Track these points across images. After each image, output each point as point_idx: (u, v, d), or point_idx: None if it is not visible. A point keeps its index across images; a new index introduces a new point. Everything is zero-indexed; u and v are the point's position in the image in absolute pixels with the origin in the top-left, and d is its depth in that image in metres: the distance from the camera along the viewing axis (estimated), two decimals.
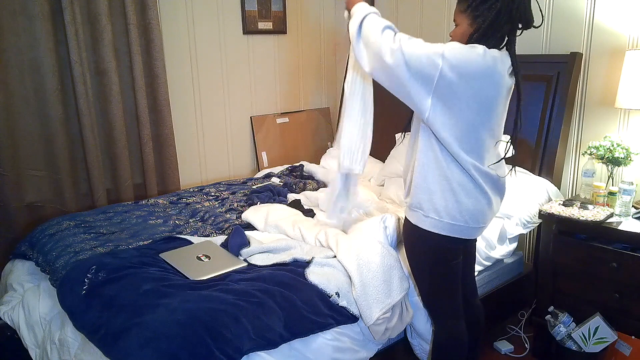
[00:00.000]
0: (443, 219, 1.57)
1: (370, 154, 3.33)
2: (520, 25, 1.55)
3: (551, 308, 2.20)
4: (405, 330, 1.93)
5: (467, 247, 1.81)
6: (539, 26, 1.59)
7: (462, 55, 1.45)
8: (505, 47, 1.56)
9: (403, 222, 1.74)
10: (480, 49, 1.48)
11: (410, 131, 1.73)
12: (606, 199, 2.23)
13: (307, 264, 1.82)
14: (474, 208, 1.58)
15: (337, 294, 1.72)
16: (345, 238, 1.92)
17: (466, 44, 1.53)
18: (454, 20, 1.61)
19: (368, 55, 1.54)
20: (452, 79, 1.43)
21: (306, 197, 2.59)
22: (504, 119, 1.62)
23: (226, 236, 2.09)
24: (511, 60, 1.55)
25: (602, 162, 2.30)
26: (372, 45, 1.50)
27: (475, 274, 2.02)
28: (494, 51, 1.51)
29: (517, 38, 1.57)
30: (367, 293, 1.72)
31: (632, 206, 2.16)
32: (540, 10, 1.62)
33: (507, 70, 1.53)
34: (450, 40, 1.57)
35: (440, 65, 1.42)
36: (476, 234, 1.67)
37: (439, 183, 1.56)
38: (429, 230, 1.60)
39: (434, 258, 1.67)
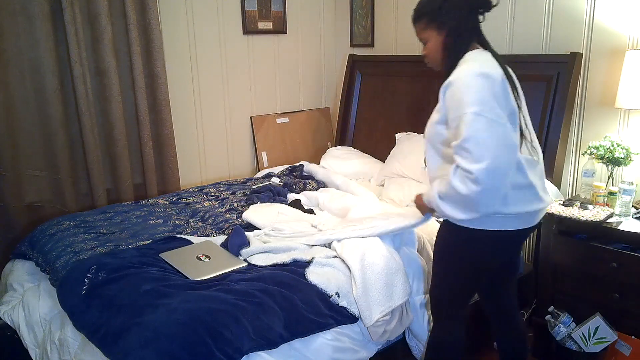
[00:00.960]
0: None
1: (370, 154, 3.35)
2: (481, 10, 1.57)
3: (551, 308, 2.20)
4: (404, 331, 1.93)
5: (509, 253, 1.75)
6: (497, 4, 1.59)
7: (476, 92, 1.43)
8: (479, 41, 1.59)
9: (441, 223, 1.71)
10: (471, 71, 1.47)
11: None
12: (606, 199, 2.23)
13: (307, 264, 1.82)
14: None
15: (337, 294, 1.72)
16: (350, 240, 1.92)
17: (444, 51, 1.56)
18: (421, 40, 1.63)
19: (460, 204, 1.49)
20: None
21: (306, 197, 2.59)
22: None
23: (226, 236, 2.09)
24: (489, 50, 1.58)
25: (602, 162, 2.30)
26: (457, 197, 1.46)
27: None
28: (478, 59, 1.52)
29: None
30: (368, 294, 1.72)
31: (632, 206, 2.16)
32: None
33: (496, 65, 1.53)
34: (426, 58, 1.63)
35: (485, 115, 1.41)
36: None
37: None
38: (477, 229, 1.55)
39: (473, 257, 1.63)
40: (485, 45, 1.60)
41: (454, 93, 1.46)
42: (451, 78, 1.50)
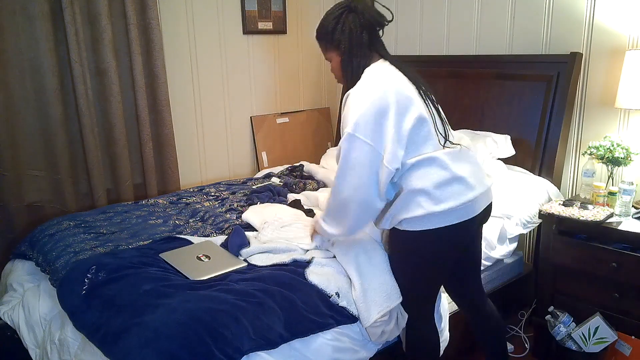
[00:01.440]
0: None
1: None
2: (377, 28, 1.64)
3: (551, 308, 2.20)
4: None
5: (464, 243, 1.76)
6: (391, 20, 1.66)
7: (356, 112, 1.52)
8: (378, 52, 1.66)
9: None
10: (359, 90, 1.56)
11: None
12: (606, 199, 2.23)
13: (307, 264, 1.82)
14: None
15: (337, 294, 1.72)
16: (344, 239, 1.92)
17: (342, 70, 1.66)
18: (327, 59, 1.72)
19: (345, 219, 1.64)
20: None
21: (306, 197, 2.59)
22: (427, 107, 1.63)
23: (226, 236, 2.09)
24: (389, 60, 1.64)
25: (602, 162, 2.30)
26: (341, 214, 1.63)
27: None
28: (373, 74, 1.59)
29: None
30: (366, 295, 1.71)
31: (632, 206, 2.16)
32: (387, 7, 1.69)
33: (391, 76, 1.59)
34: (333, 74, 1.74)
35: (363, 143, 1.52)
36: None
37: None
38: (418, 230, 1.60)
39: (422, 259, 1.68)
40: (387, 57, 1.66)
41: (345, 108, 1.57)
42: (349, 91, 1.60)
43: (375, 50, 1.66)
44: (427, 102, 1.62)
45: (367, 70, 1.62)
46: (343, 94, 1.67)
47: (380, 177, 1.53)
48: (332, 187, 1.64)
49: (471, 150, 1.72)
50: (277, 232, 2.05)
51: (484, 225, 1.79)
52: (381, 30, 1.67)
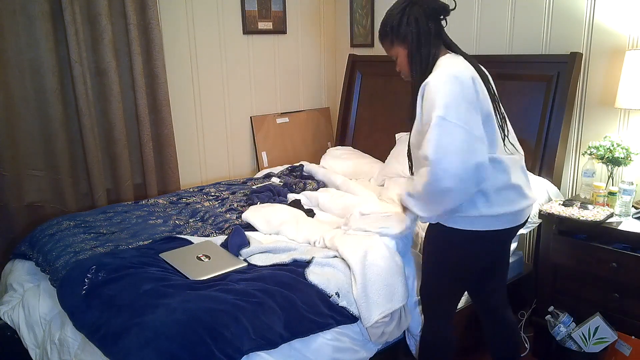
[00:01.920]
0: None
1: (370, 154, 3.35)
2: (441, 17, 1.62)
3: (551, 308, 2.20)
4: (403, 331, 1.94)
5: (497, 251, 1.76)
6: (453, 9, 1.64)
7: (444, 96, 1.46)
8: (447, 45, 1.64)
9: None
10: (442, 75, 1.50)
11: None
12: (606, 199, 2.23)
13: (307, 263, 1.82)
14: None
15: (337, 294, 1.72)
16: (352, 239, 1.92)
17: (411, 63, 1.62)
18: (391, 57, 1.69)
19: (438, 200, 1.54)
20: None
21: (306, 197, 2.59)
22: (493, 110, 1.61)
23: (226, 236, 2.09)
24: (460, 54, 1.63)
25: (602, 162, 2.30)
26: (419, 195, 1.56)
27: None
28: (450, 63, 1.56)
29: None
30: (368, 295, 1.71)
31: (632, 206, 2.16)
32: None
33: (467, 67, 1.57)
34: (399, 72, 1.69)
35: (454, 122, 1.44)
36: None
37: None
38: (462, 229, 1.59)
39: (457, 257, 1.67)
40: (455, 49, 1.65)
41: (427, 95, 1.50)
42: (427, 79, 1.53)
43: (443, 40, 1.64)
44: (495, 101, 1.61)
45: (443, 60, 1.59)
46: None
47: (482, 159, 1.46)
48: (420, 174, 1.51)
49: (522, 161, 1.71)
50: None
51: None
52: (444, 20, 1.64)
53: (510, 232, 1.65)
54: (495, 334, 1.93)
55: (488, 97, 1.57)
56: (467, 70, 1.54)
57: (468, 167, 1.42)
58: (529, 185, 1.68)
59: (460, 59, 1.60)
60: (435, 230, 1.67)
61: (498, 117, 1.60)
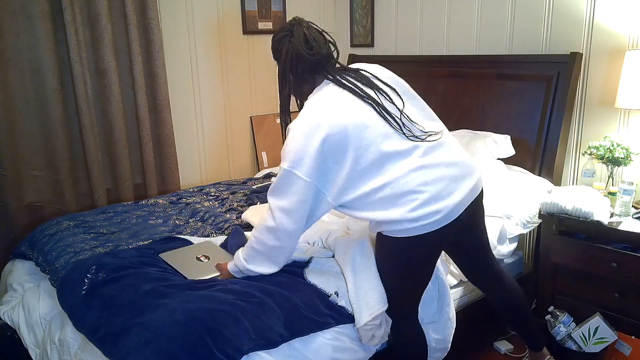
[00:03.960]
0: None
1: None
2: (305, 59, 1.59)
3: (551, 308, 2.20)
4: None
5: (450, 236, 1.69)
6: (329, 55, 1.63)
7: (293, 148, 1.50)
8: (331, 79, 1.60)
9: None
10: (298, 123, 1.52)
11: None
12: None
13: (306, 263, 1.82)
14: None
15: (336, 293, 1.71)
16: (343, 239, 1.92)
17: (299, 106, 1.64)
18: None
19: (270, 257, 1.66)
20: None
21: None
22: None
23: (226, 236, 2.09)
24: (340, 84, 1.58)
25: (602, 162, 2.30)
26: (266, 250, 1.64)
27: None
28: (313, 105, 1.56)
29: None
30: (359, 296, 1.71)
31: (632, 206, 2.16)
32: (331, 41, 1.68)
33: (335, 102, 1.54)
34: None
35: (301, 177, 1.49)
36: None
37: None
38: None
39: (400, 261, 1.67)
40: (331, 75, 1.60)
41: (285, 142, 1.54)
42: (289, 125, 1.57)
43: (317, 73, 1.61)
44: (381, 109, 1.56)
45: (308, 100, 1.60)
46: None
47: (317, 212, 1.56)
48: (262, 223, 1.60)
49: (450, 137, 1.67)
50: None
51: (482, 212, 1.76)
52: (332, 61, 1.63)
53: (447, 229, 1.56)
54: (498, 298, 1.95)
55: (368, 118, 1.53)
56: (332, 110, 1.53)
57: (299, 224, 1.55)
58: (454, 175, 1.58)
59: (329, 90, 1.58)
60: (380, 240, 1.68)
61: (396, 120, 1.55)
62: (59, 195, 2.66)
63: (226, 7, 3.17)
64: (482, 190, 1.71)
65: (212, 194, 2.72)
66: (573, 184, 2.61)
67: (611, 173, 2.33)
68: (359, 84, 1.59)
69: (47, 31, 2.46)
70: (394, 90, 1.63)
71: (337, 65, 1.67)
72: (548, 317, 2.20)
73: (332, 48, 1.65)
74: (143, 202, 2.62)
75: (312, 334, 1.62)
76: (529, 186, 2.39)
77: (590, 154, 2.32)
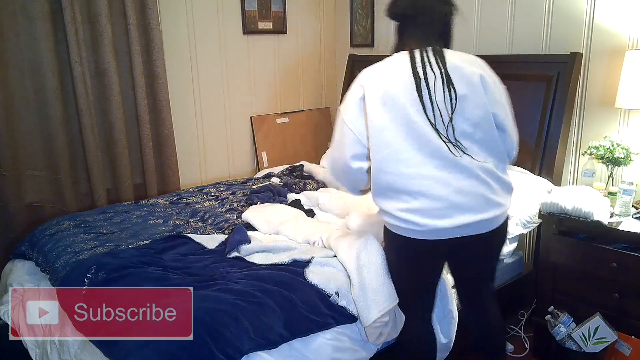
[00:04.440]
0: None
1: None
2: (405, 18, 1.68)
3: (551, 308, 2.20)
4: None
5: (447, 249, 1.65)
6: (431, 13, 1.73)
7: (347, 97, 1.63)
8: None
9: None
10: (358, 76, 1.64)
11: None
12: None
13: (307, 263, 1.82)
14: None
15: (337, 293, 1.71)
16: (346, 238, 1.92)
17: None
18: None
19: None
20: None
21: (306, 197, 2.59)
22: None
23: (226, 236, 2.09)
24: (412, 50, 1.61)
25: (602, 162, 2.30)
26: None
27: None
28: (376, 65, 1.65)
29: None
30: (366, 294, 1.71)
31: (632, 206, 2.16)
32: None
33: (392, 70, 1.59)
34: None
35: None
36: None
37: None
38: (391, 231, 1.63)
39: (398, 257, 1.71)
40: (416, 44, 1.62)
41: None
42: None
43: (408, 37, 1.67)
44: (427, 98, 1.51)
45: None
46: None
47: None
48: None
49: (487, 171, 1.55)
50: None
51: (487, 251, 1.72)
52: (422, 18, 1.66)
53: (440, 245, 1.55)
54: (478, 335, 1.90)
55: (416, 95, 1.51)
56: (384, 75, 1.60)
57: (346, 160, 1.64)
58: (464, 199, 1.51)
59: (396, 59, 1.63)
60: (384, 233, 1.71)
61: (434, 112, 1.50)
62: (59, 195, 2.66)
63: (226, 7, 3.17)
64: (496, 233, 1.60)
65: (212, 194, 2.72)
66: (573, 184, 2.61)
67: (611, 173, 2.33)
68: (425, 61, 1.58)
69: (47, 31, 2.46)
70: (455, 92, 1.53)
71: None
72: (548, 317, 2.20)
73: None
74: (143, 202, 2.62)
75: (312, 334, 1.62)
76: (529, 186, 2.39)
77: (590, 154, 2.32)
